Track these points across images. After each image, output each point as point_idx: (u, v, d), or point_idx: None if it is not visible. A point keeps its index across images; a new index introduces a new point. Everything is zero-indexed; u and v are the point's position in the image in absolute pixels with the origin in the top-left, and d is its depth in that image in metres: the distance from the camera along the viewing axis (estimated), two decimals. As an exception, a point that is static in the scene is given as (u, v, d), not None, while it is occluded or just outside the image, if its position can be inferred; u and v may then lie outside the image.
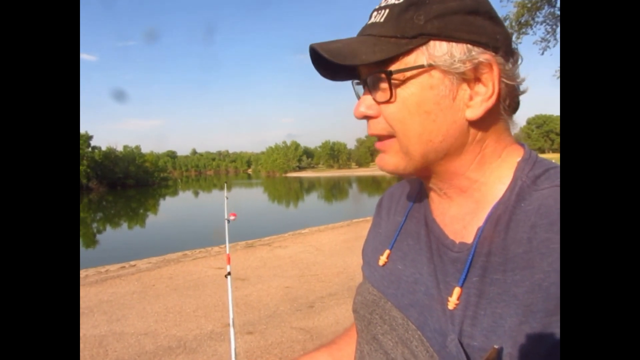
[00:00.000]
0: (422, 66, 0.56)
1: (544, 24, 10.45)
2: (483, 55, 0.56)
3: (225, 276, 3.05)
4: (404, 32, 0.56)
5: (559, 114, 0.51)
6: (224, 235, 3.41)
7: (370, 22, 0.61)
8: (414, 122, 0.58)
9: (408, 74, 0.57)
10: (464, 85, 0.57)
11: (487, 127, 0.60)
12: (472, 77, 0.57)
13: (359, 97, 0.64)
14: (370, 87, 0.60)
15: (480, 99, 0.57)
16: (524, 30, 10.41)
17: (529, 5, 10.13)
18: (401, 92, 0.58)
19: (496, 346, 0.50)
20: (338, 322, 4.36)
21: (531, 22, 10.44)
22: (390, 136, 0.61)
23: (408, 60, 0.57)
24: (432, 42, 0.56)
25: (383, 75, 0.58)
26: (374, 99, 0.60)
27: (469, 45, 0.56)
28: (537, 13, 10.34)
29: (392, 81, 0.57)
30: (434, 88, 0.57)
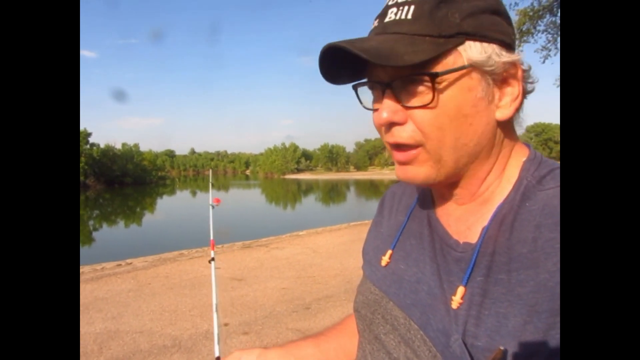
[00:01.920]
0: (463, 67, 0.54)
1: (546, 33, 10.49)
2: (511, 56, 0.56)
3: (209, 262, 3.05)
4: (440, 30, 0.53)
5: (557, 122, 0.51)
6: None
7: (391, 19, 0.56)
8: (451, 127, 0.55)
9: (452, 76, 0.54)
10: (495, 86, 0.57)
11: (506, 128, 0.60)
12: (501, 77, 0.57)
13: (361, 102, 0.62)
14: (398, 91, 0.56)
15: (509, 99, 0.58)
16: (525, 38, 10.44)
17: (531, 13, 10.16)
18: (441, 95, 0.54)
19: (502, 347, 0.50)
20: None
21: (533, 30, 10.48)
22: (417, 145, 0.56)
23: (447, 61, 0.54)
24: (467, 42, 0.54)
25: (424, 78, 0.54)
26: (401, 104, 0.56)
27: (498, 45, 0.56)
28: (539, 21, 10.38)
29: (436, 84, 0.54)
30: (472, 90, 0.55)
